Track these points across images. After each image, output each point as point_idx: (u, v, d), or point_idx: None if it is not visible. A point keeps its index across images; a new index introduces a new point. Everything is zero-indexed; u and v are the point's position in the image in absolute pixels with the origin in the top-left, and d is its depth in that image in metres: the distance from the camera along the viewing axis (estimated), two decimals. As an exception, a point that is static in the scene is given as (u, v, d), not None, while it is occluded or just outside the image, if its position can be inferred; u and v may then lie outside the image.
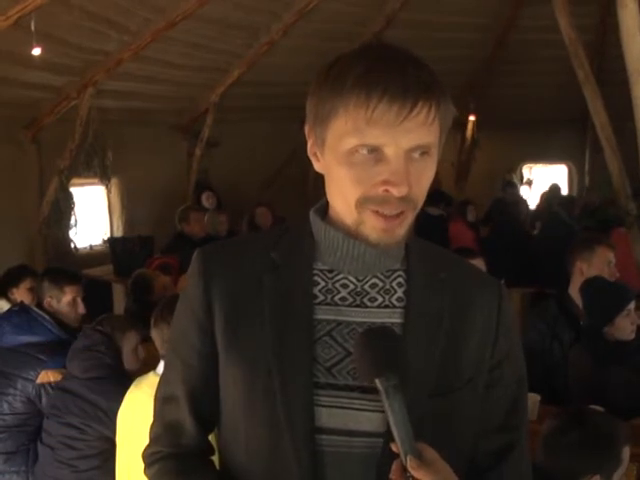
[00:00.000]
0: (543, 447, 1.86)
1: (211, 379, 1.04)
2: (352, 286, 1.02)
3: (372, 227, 0.95)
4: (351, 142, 0.91)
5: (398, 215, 0.94)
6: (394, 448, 0.88)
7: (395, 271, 1.04)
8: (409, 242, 1.05)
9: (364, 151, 0.91)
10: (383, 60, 0.91)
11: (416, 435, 0.88)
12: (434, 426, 0.97)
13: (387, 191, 0.91)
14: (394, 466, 0.88)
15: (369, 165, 0.92)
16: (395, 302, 1.02)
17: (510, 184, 8.55)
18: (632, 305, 2.69)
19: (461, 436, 1.02)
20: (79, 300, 3.20)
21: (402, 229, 0.96)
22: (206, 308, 1.02)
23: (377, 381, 0.88)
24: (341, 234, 1.00)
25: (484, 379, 1.03)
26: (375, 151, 0.91)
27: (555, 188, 8.04)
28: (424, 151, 0.93)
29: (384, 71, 0.89)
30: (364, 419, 0.96)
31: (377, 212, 0.93)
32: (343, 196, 0.96)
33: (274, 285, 1.01)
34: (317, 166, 1.00)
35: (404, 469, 0.86)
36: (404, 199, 0.92)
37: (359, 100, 0.89)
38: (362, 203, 0.94)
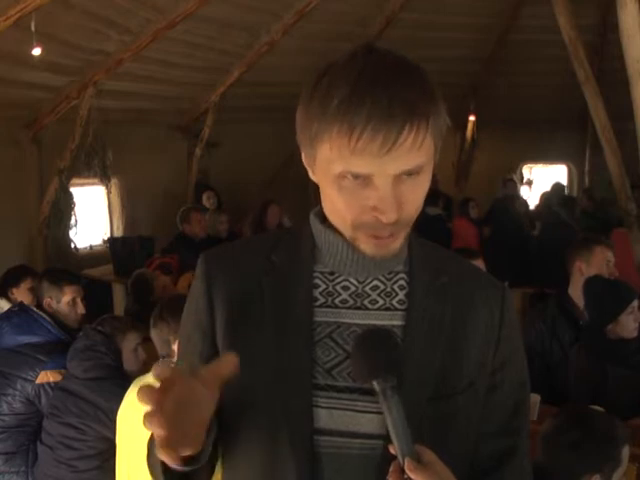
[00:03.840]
0: (543, 446, 1.86)
1: None
2: (353, 288, 1.02)
3: (366, 244, 0.96)
4: (337, 168, 0.90)
5: (391, 235, 0.94)
6: (392, 450, 0.87)
7: (397, 273, 1.04)
8: (412, 243, 1.05)
9: (351, 177, 0.90)
10: (368, 79, 0.87)
11: (416, 437, 0.88)
12: (434, 429, 0.97)
13: (376, 217, 0.91)
14: (392, 468, 0.87)
15: (358, 190, 0.91)
16: (396, 304, 1.01)
17: (510, 181, 8.55)
18: (636, 303, 2.70)
19: (462, 439, 1.02)
20: (79, 300, 3.20)
21: (396, 244, 0.97)
22: (208, 311, 1.03)
23: (374, 383, 0.88)
24: (341, 238, 1.00)
25: (486, 382, 1.03)
26: (362, 177, 0.90)
27: (558, 187, 8.03)
28: (416, 171, 0.91)
29: (368, 95, 0.85)
30: (365, 421, 0.96)
31: (369, 233, 0.94)
32: (337, 214, 0.96)
33: (274, 287, 1.01)
34: (312, 176, 1.00)
35: (402, 471, 0.86)
36: (395, 224, 0.91)
37: (342, 129, 0.86)
38: (355, 227, 0.94)
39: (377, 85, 0.86)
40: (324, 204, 1.00)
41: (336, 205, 0.94)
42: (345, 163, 0.88)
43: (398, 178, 0.90)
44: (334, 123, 0.87)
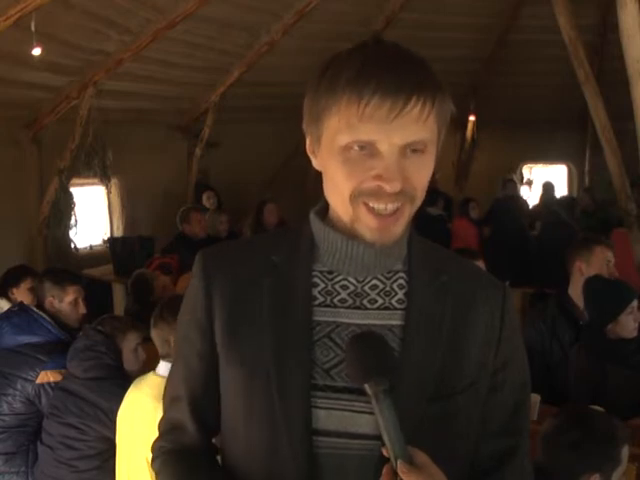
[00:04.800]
0: (543, 446, 1.87)
1: (212, 381, 1.04)
2: (352, 287, 1.01)
3: (366, 225, 0.95)
4: (344, 139, 0.91)
5: (393, 212, 0.93)
6: (385, 452, 0.87)
7: (396, 272, 1.03)
8: (411, 241, 1.05)
9: (357, 147, 0.91)
10: (377, 58, 0.91)
11: (416, 438, 0.88)
12: (435, 429, 0.97)
13: (380, 186, 0.91)
14: (384, 470, 0.87)
15: (363, 160, 0.92)
16: (395, 304, 1.01)
17: (510, 181, 8.58)
18: (635, 303, 2.70)
19: (462, 439, 1.02)
20: (80, 301, 3.20)
21: (398, 227, 0.96)
22: (207, 310, 1.03)
23: (366, 386, 0.88)
24: (340, 235, 0.99)
25: (487, 382, 1.03)
26: (368, 147, 0.91)
27: (548, 186, 8.06)
28: (420, 147, 0.92)
29: (377, 69, 0.89)
30: (363, 421, 0.96)
31: (371, 209, 0.93)
32: (338, 191, 0.95)
33: (273, 287, 1.01)
34: (315, 163, 1.00)
35: (395, 473, 0.86)
36: (399, 194, 0.92)
37: (351, 98, 0.89)
38: (356, 196, 0.93)
39: (385, 63, 0.90)
40: (326, 188, 0.99)
41: (337, 180, 0.94)
42: (353, 132, 0.90)
43: (403, 152, 0.91)
44: (343, 95, 0.90)
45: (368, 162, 0.91)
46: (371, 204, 0.93)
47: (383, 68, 0.89)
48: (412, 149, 0.92)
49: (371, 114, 0.88)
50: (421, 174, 0.94)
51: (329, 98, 0.92)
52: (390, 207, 0.93)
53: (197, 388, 1.06)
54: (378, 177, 0.91)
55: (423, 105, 0.89)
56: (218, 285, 1.03)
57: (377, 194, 0.92)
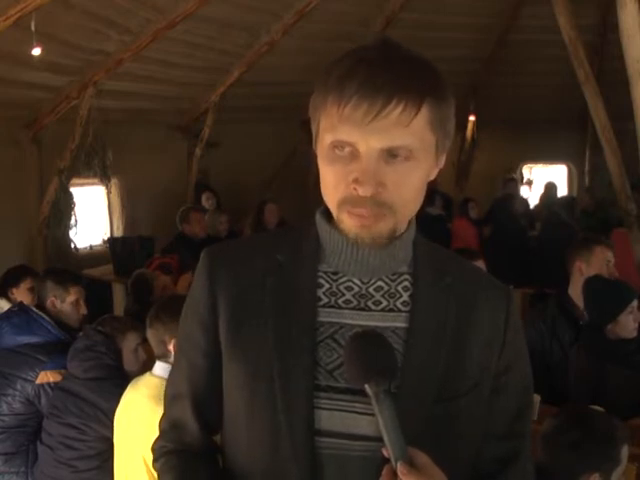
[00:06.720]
0: (543, 446, 1.87)
1: (215, 379, 1.04)
2: (357, 289, 1.01)
3: (349, 225, 0.95)
4: (328, 138, 0.92)
5: (372, 216, 0.92)
6: (385, 453, 0.87)
7: (401, 274, 1.03)
8: (416, 244, 1.04)
9: (339, 147, 0.91)
10: (369, 59, 0.89)
11: (418, 440, 0.87)
12: (437, 431, 0.96)
13: (355, 189, 0.91)
14: (384, 471, 0.86)
15: (345, 162, 0.91)
16: (400, 306, 1.01)
17: (510, 180, 8.57)
18: (635, 303, 2.70)
19: (465, 442, 1.01)
20: (82, 301, 3.20)
21: (380, 228, 0.94)
22: (211, 308, 1.03)
23: (366, 386, 0.88)
24: (345, 237, 0.99)
25: (489, 384, 1.03)
26: (349, 148, 0.90)
27: (550, 186, 8.06)
28: (403, 153, 0.90)
29: (365, 70, 0.88)
30: (365, 423, 0.96)
31: (352, 212, 0.93)
32: (329, 196, 0.96)
33: (278, 286, 1.01)
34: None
35: (394, 474, 0.85)
36: (374, 201, 0.90)
37: (334, 98, 0.89)
38: (341, 205, 0.94)
39: (375, 64, 0.88)
40: (322, 188, 0.99)
41: (327, 182, 0.95)
42: (334, 132, 0.90)
43: (384, 158, 0.90)
44: (329, 94, 0.90)
45: (350, 165, 0.91)
46: (353, 211, 0.93)
47: (371, 69, 0.88)
48: (393, 154, 0.90)
49: (348, 115, 0.88)
50: (403, 182, 0.91)
51: (321, 97, 0.92)
52: (366, 213, 0.92)
53: (200, 386, 1.06)
54: (355, 181, 0.90)
55: (405, 108, 0.87)
56: (222, 284, 1.03)
57: (355, 200, 0.91)
